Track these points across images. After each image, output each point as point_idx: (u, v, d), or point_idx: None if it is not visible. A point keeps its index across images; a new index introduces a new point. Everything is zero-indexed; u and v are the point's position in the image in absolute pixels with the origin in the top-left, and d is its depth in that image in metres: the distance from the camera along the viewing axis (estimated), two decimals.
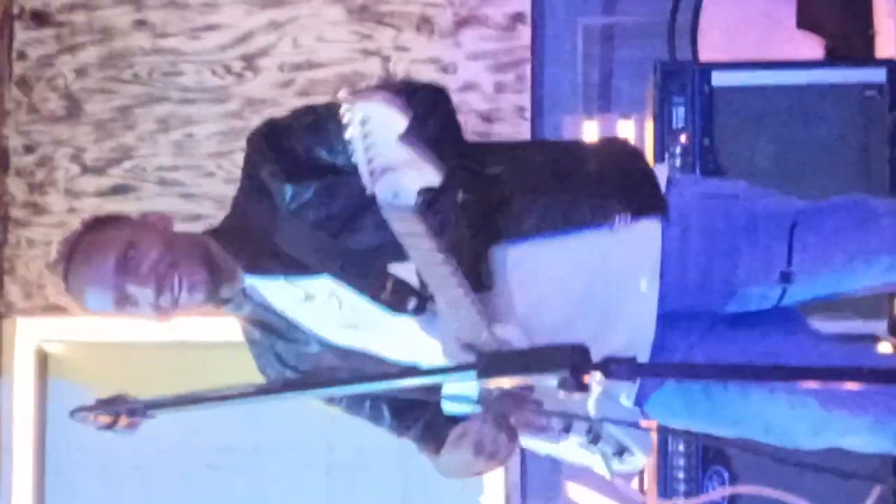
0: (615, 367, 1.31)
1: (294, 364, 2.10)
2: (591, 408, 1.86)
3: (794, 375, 1.27)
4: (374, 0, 4.15)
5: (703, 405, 2.05)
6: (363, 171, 1.85)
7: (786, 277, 2.07)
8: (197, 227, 4.12)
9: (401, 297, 1.92)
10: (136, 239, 2.02)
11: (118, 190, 4.20)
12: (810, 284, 2.11)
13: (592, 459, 1.96)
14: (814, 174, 3.01)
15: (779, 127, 3.01)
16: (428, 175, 1.87)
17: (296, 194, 2.01)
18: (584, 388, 1.28)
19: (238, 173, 4.18)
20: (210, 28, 4.18)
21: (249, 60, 4.17)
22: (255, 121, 4.19)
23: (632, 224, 2.01)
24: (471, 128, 4.14)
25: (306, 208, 2.01)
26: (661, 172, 2.12)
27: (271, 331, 2.10)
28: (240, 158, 4.10)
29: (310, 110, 2.12)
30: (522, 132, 4.15)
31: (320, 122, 2.03)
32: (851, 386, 1.30)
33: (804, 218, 2.12)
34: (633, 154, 2.21)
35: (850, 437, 2.05)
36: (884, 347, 2.84)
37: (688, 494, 2.90)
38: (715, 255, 2.08)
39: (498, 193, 1.98)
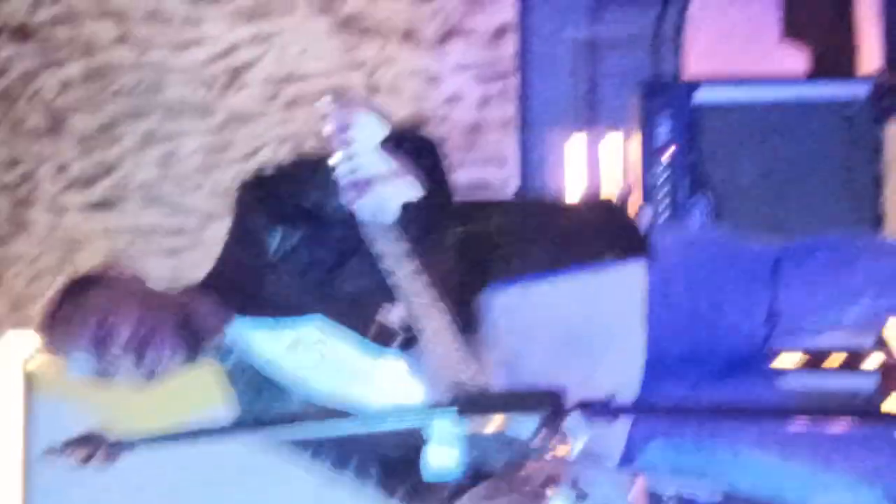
0: (592, 408, 1.30)
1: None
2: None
3: (774, 416, 1.26)
4: (359, 12, 4.14)
5: (692, 463, 2.04)
6: (346, 183, 1.84)
7: (771, 317, 2.07)
8: (182, 242, 4.17)
9: (387, 334, 1.92)
10: (112, 309, 2.02)
11: (102, 205, 4.19)
12: (796, 320, 2.10)
13: None
14: (798, 190, 3.01)
15: (763, 142, 3.01)
16: (410, 188, 1.87)
17: (283, 240, 2.04)
18: (560, 429, 1.28)
19: (223, 187, 4.19)
20: (194, 42, 4.16)
21: (234, 74, 4.16)
22: (240, 134, 4.19)
23: (616, 266, 2.04)
24: (456, 141, 4.14)
25: (294, 253, 2.03)
26: (645, 217, 2.14)
27: (253, 384, 2.10)
28: (225, 172, 4.16)
29: (298, 159, 2.16)
30: (508, 144, 4.14)
31: (307, 169, 2.05)
32: (837, 428, 1.30)
33: (787, 257, 2.13)
34: (616, 207, 2.27)
35: (840, 495, 2.05)
36: (872, 361, 2.83)
37: None
38: (700, 297, 2.08)
39: (485, 239, 2.00)
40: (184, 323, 2.05)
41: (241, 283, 2.09)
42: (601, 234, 2.07)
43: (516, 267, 2.00)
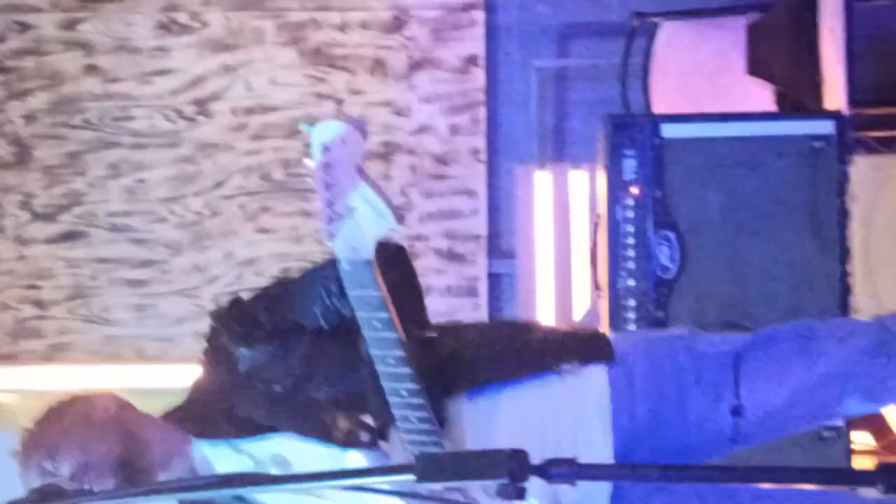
0: (555, 470, 1.29)
1: None
2: None
3: (743, 476, 1.26)
4: (327, 43, 4.13)
5: None
6: (323, 215, 1.82)
7: (736, 411, 2.08)
8: (149, 274, 4.13)
9: (353, 432, 1.94)
10: (60, 444, 2.09)
11: (68, 237, 4.16)
12: (763, 410, 2.10)
13: None
14: (763, 225, 3.02)
15: (729, 178, 3.02)
16: (385, 221, 1.86)
17: (252, 357, 2.10)
18: (522, 494, 1.27)
19: (190, 217, 4.16)
20: (161, 72, 4.15)
21: (201, 104, 4.14)
22: (207, 165, 4.18)
23: (579, 370, 2.09)
24: (426, 170, 4.14)
25: (262, 367, 2.08)
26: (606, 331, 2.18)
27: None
28: (192, 203, 4.14)
29: (274, 281, 2.20)
30: (477, 174, 4.14)
31: (283, 289, 2.11)
32: (808, 487, 1.30)
33: (748, 349, 2.14)
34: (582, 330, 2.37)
35: None
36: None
37: None
38: (663, 395, 2.11)
39: (451, 351, 2.06)
40: (125, 459, 2.09)
41: (207, 408, 2.14)
42: (565, 343, 2.14)
43: (484, 376, 2.05)
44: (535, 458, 1.64)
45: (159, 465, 2.11)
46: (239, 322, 2.14)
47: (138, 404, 4.38)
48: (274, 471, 2.08)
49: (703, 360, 2.14)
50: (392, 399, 1.90)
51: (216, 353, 2.18)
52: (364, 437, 1.93)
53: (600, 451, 2.06)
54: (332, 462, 2.06)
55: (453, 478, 1.28)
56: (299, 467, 2.09)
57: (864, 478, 1.22)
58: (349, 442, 1.95)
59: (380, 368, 1.89)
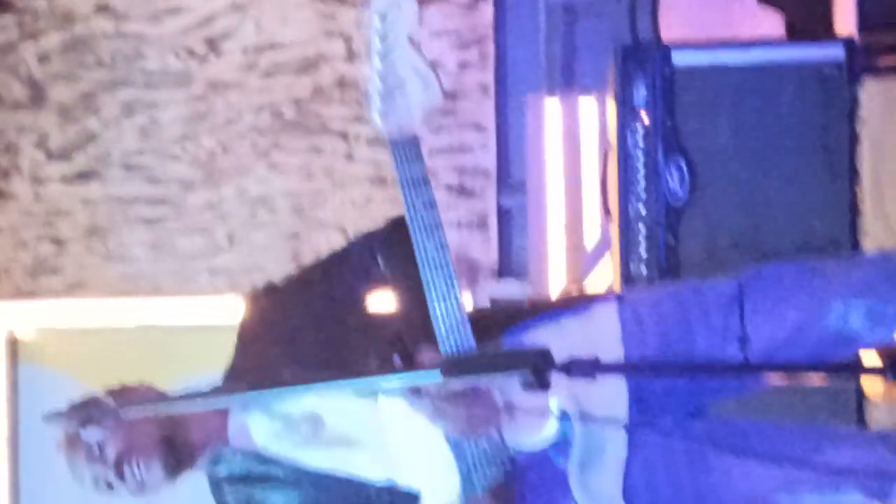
0: (576, 366, 1.34)
1: None
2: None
3: (755, 370, 1.30)
4: None
5: (689, 489, 2.13)
6: (375, 89, 1.89)
7: (742, 343, 2.12)
8: (163, 212, 4.18)
9: (386, 360, 2.05)
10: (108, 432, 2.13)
11: (83, 176, 4.20)
12: (771, 341, 2.14)
13: None
14: (773, 150, 3.04)
15: (739, 105, 3.04)
16: (433, 93, 1.93)
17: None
18: (546, 386, 1.31)
19: (203, 156, 4.19)
20: (172, 11, 4.16)
21: (212, 43, 4.16)
22: (219, 103, 4.20)
23: (590, 307, 2.23)
24: None
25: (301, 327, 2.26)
26: None
27: (249, 480, 2.22)
28: (205, 141, 4.17)
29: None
30: (486, 108, 4.16)
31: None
32: (813, 381, 1.35)
33: (753, 283, 2.18)
34: None
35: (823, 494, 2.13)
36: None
37: None
38: (671, 334, 2.16)
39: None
40: (168, 439, 2.16)
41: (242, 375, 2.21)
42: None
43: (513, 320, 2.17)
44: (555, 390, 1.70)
45: (199, 446, 2.21)
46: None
47: (158, 342, 4.43)
48: (306, 429, 2.16)
49: (708, 295, 2.19)
50: (429, 294, 1.96)
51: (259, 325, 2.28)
52: (397, 360, 2.00)
53: (615, 390, 2.11)
54: (364, 414, 2.13)
55: (478, 373, 1.33)
56: (333, 423, 2.17)
57: (871, 369, 1.26)
58: (383, 370, 2.01)
59: (420, 257, 1.95)
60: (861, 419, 2.95)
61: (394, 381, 1.41)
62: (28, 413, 4.19)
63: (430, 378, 1.37)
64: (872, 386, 2.95)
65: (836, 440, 2.18)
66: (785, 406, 2.75)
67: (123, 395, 2.11)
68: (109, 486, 2.15)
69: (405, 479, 2.16)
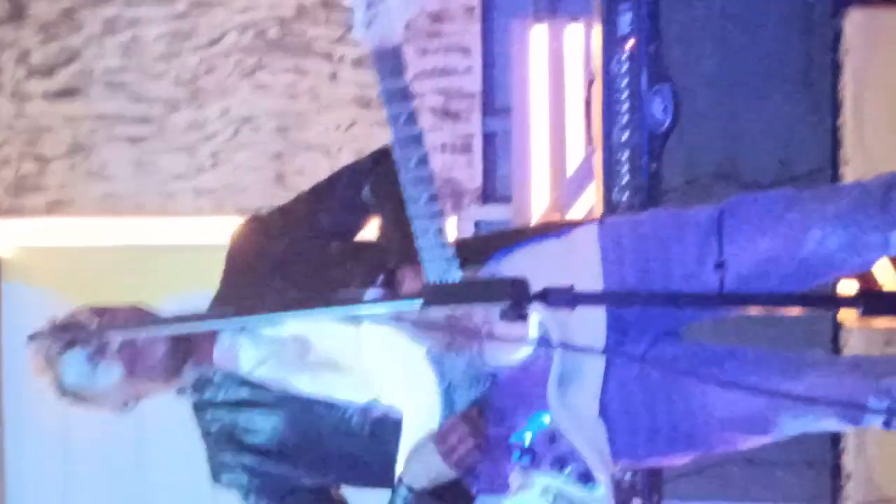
0: (554, 297, 1.36)
1: (256, 442, 2.25)
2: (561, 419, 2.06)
3: (733, 301, 1.32)
4: None
5: (665, 411, 2.17)
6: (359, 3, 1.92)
7: (720, 267, 2.13)
8: (146, 130, 4.17)
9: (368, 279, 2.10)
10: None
11: (65, 93, 4.17)
12: (748, 267, 2.15)
13: None
14: (757, 78, 3.04)
15: (724, 32, 3.03)
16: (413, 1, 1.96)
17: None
18: (524, 317, 1.34)
19: (186, 74, 4.17)
20: None
21: None
22: (202, 22, 4.17)
23: (573, 231, 2.25)
24: (420, 28, 4.14)
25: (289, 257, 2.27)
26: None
27: (234, 405, 2.24)
28: (189, 60, 4.14)
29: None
30: (472, 31, 4.15)
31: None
32: (793, 311, 1.37)
33: (731, 209, 2.20)
34: None
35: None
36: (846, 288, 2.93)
37: None
38: (649, 257, 2.18)
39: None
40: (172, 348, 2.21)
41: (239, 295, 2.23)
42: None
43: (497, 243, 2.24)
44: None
45: (202, 345, 2.24)
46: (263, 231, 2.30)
47: (142, 261, 4.43)
48: (293, 351, 2.20)
49: (687, 220, 2.21)
50: (412, 210, 1.99)
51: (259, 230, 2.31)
52: (377, 287, 2.03)
53: (593, 314, 2.14)
54: (348, 337, 2.17)
55: (458, 301, 1.35)
56: (319, 346, 2.20)
57: (846, 302, 1.28)
58: (364, 284, 2.04)
59: (403, 175, 1.98)
60: (836, 346, 3.00)
61: (376, 308, 1.43)
62: (11, 331, 4.21)
63: (412, 306, 1.39)
64: (847, 316, 2.98)
65: (812, 366, 2.21)
66: (760, 333, 2.78)
67: (107, 314, 2.13)
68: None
69: (388, 400, 2.20)
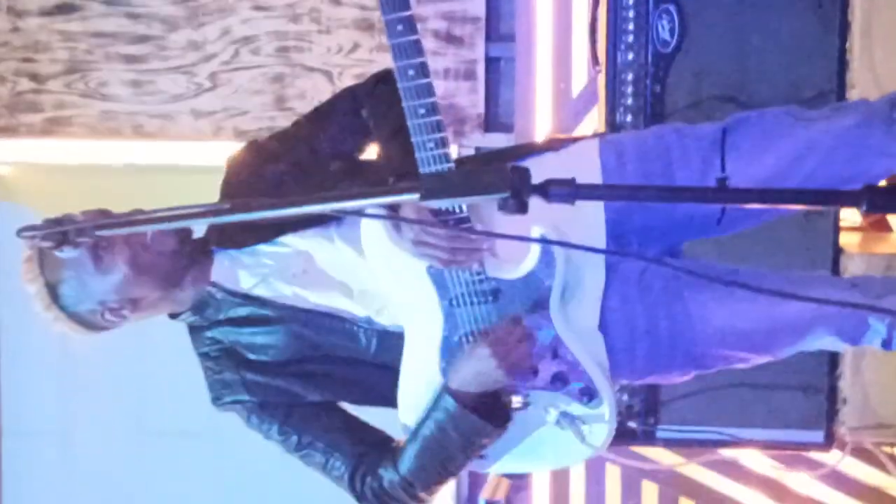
0: (554, 190, 1.33)
1: (259, 358, 2.22)
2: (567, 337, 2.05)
3: (736, 197, 1.29)
4: None
5: (665, 324, 2.15)
6: None
7: (722, 182, 2.11)
8: (145, 50, 4.11)
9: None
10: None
11: (63, 9, 4.11)
12: (750, 183, 2.11)
13: (565, 445, 2.11)
14: (766, 1, 3.00)
15: (734, 6, 2.99)
16: None
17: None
18: (524, 208, 1.31)
19: None
20: None
21: None
22: None
23: (573, 145, 2.25)
24: None
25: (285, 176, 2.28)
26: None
27: (236, 322, 2.21)
28: None
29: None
30: (478, 4, 4.08)
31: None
32: (794, 207, 1.34)
33: (735, 125, 2.18)
34: None
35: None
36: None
37: None
38: (651, 170, 2.16)
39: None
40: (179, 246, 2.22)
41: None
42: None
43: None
44: (533, 220, 1.68)
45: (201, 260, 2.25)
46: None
47: (141, 181, 4.41)
48: (298, 264, 2.17)
49: (689, 136, 2.19)
50: (411, 122, 1.97)
51: (259, 151, 2.31)
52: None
53: (593, 226, 2.13)
54: (351, 253, 2.16)
55: (457, 194, 1.32)
56: (322, 259, 2.18)
57: (849, 198, 1.25)
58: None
59: (402, 85, 1.97)
60: (836, 272, 2.98)
61: (374, 201, 1.40)
62: (6, 249, 4.18)
63: (410, 199, 1.36)
64: (849, 241, 2.95)
65: (812, 284, 2.19)
66: (760, 258, 2.77)
67: (99, 216, 2.10)
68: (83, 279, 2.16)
69: (390, 317, 2.18)
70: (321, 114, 2.31)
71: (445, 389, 2.10)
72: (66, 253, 1.69)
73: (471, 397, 2.10)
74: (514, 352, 2.05)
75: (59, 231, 1.62)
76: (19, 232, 1.66)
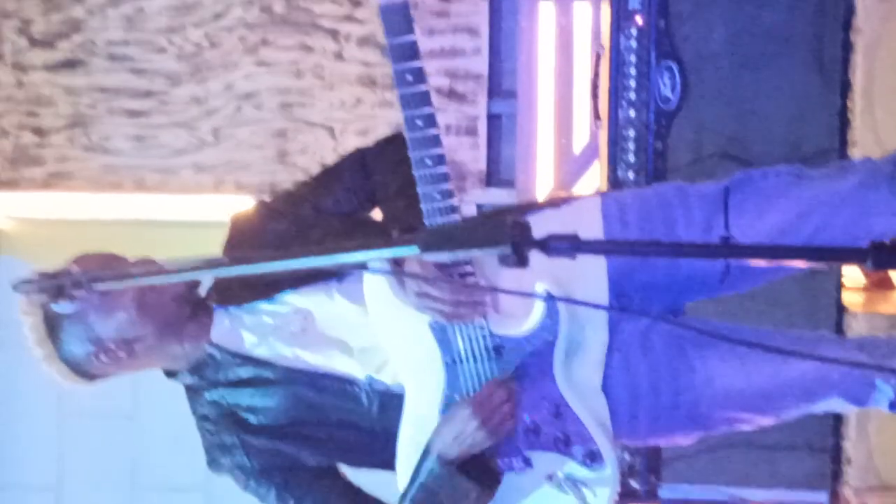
0: (555, 244, 1.32)
1: (258, 421, 2.20)
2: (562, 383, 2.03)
3: (742, 253, 1.28)
4: None
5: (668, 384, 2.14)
6: None
7: (725, 242, 2.10)
8: (148, 105, 4.13)
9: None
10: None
11: (67, 64, 4.13)
12: (754, 242, 2.09)
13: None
14: (766, 58, 3.01)
15: (734, 9, 3.00)
16: None
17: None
18: (524, 262, 1.30)
19: (189, 49, 4.13)
20: None
21: None
22: None
23: (574, 202, 2.25)
24: (427, 7, 4.10)
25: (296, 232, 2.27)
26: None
27: (236, 384, 2.19)
28: (192, 34, 4.10)
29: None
30: (480, 12, 4.10)
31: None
32: (798, 264, 1.33)
33: (737, 184, 2.17)
34: None
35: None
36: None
37: None
38: (654, 228, 2.15)
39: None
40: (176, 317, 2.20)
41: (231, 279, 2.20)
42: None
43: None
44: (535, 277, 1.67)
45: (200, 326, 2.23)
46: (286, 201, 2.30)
47: (141, 236, 4.42)
48: (297, 322, 2.16)
49: (692, 195, 2.18)
50: (417, 173, 1.97)
51: (268, 211, 2.30)
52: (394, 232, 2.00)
53: (596, 284, 2.11)
54: (353, 309, 2.15)
55: (457, 248, 1.31)
56: (321, 317, 2.16)
57: (855, 255, 1.24)
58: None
59: (409, 135, 1.96)
60: (840, 331, 2.96)
61: (373, 254, 1.39)
62: (5, 305, 4.17)
63: (408, 252, 1.35)
64: (852, 300, 2.93)
65: (818, 344, 2.17)
66: (763, 315, 2.75)
67: (104, 261, 2.10)
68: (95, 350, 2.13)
69: (391, 375, 2.16)
70: (329, 174, 2.31)
71: (428, 452, 2.08)
72: (62, 307, 1.68)
73: (456, 459, 2.07)
74: (496, 414, 2.03)
75: (56, 285, 1.60)
76: (15, 286, 1.65)
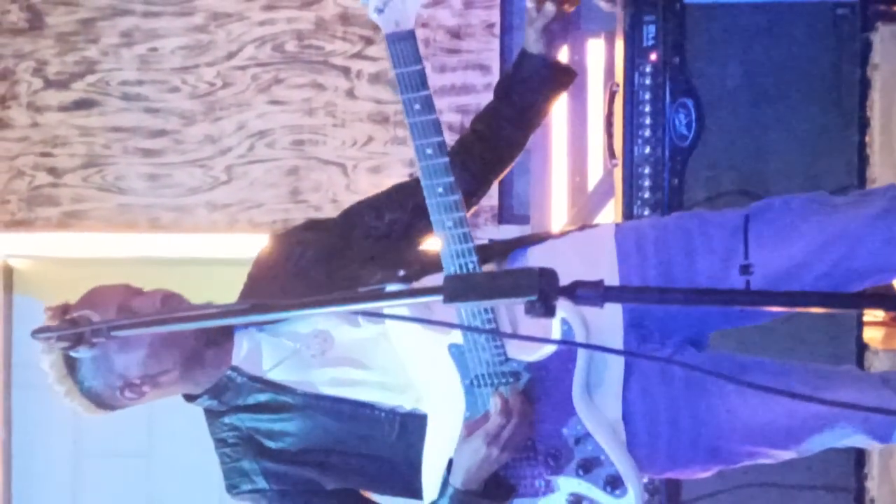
0: (582, 291, 1.30)
1: (278, 446, 2.19)
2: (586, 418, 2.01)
3: (765, 300, 1.27)
4: None
5: (687, 415, 2.11)
6: None
7: (745, 270, 2.08)
8: (162, 144, 4.14)
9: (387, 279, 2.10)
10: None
11: (82, 104, 4.15)
12: (775, 271, 2.09)
13: None
14: (783, 94, 3.00)
15: (750, 45, 2.98)
16: None
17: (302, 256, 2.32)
18: (551, 312, 1.28)
19: (203, 88, 4.15)
20: None
21: None
22: (220, 35, 4.14)
23: (588, 230, 2.25)
24: (439, 44, 4.11)
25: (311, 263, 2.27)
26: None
27: (255, 409, 2.18)
28: (205, 73, 4.12)
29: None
30: (492, 48, 4.11)
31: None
32: (816, 310, 1.31)
33: (758, 212, 2.14)
34: None
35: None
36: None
37: None
38: (672, 258, 2.13)
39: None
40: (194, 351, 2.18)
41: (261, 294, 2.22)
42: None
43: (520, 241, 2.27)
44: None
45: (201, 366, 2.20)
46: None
47: (157, 275, 4.44)
48: (317, 345, 2.14)
49: (711, 223, 2.15)
50: (430, 202, 1.95)
51: (288, 240, 2.29)
52: (397, 278, 1.99)
53: (611, 317, 2.09)
54: (372, 331, 2.13)
55: (482, 297, 1.30)
56: (340, 340, 2.15)
57: (872, 301, 1.22)
58: (385, 279, 2.02)
59: (421, 164, 1.95)
60: (861, 367, 2.93)
61: (397, 303, 1.38)
62: (21, 345, 4.17)
63: (433, 300, 1.33)
64: (873, 336, 2.90)
65: (838, 378, 2.15)
66: (784, 351, 2.72)
67: (120, 293, 2.09)
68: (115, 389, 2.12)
69: (412, 400, 2.14)
70: (401, 190, 2.31)
71: (447, 483, 2.06)
72: (82, 353, 1.67)
73: (478, 488, 2.05)
74: (505, 430, 2.01)
75: (75, 332, 1.59)
76: (34, 333, 1.64)
